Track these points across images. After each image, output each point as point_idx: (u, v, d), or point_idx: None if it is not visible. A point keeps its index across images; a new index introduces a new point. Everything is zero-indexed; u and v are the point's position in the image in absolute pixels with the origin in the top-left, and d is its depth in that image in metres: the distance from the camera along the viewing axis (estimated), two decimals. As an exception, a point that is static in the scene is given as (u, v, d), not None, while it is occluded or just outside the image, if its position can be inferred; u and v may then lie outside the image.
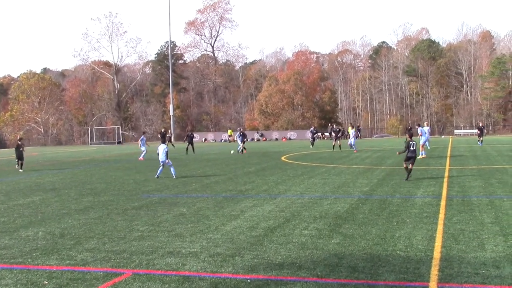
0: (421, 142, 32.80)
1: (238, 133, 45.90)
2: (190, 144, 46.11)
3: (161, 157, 24.83)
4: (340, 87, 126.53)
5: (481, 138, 46.93)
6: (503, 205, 15.21)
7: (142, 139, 40.88)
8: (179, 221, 14.09)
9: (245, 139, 43.99)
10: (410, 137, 21.75)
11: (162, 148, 25.06)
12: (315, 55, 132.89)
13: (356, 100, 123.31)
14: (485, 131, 49.34)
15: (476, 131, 55.88)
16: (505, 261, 9.51)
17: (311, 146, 52.46)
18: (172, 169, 25.21)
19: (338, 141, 43.44)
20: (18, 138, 40.18)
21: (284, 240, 11.53)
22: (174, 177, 24.94)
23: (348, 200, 16.85)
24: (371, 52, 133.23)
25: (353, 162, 31.77)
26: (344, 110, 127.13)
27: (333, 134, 46.56)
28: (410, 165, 21.44)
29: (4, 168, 36.62)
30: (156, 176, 25.35)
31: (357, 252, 10.35)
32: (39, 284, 8.97)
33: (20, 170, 32.53)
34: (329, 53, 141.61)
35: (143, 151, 39.85)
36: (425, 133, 36.36)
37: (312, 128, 58.93)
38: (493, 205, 15.26)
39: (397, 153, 23.91)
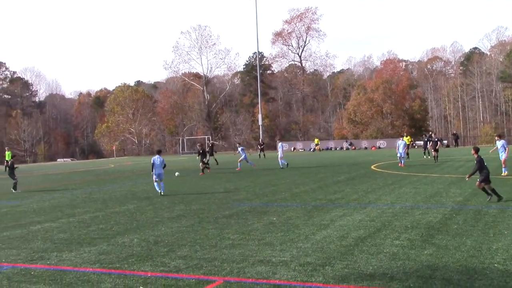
0: (503, 157, 27.42)
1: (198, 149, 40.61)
2: (211, 155, 43.10)
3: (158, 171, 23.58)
4: (430, 95, 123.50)
5: None
6: None
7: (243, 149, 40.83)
8: (269, 230, 14.18)
9: (204, 158, 38.29)
10: (477, 152, 18.72)
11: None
12: (403, 63, 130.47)
13: (447, 108, 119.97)
14: None
15: None
16: None
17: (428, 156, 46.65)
18: (161, 184, 23.91)
19: (436, 151, 40.54)
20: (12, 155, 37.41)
21: (375, 250, 11.37)
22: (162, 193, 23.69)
23: (440, 210, 16.41)
24: (462, 59, 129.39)
25: (445, 171, 30.92)
26: (435, 118, 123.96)
27: (432, 144, 42.52)
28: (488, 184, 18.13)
29: (102, 177, 38.06)
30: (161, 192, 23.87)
31: (452, 264, 10.06)
32: (135, 289, 9.26)
33: (13, 191, 29.15)
34: (418, 61, 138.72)
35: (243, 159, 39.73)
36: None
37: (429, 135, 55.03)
38: None
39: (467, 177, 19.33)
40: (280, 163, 39.62)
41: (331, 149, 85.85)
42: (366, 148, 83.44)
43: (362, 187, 23.70)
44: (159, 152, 24.51)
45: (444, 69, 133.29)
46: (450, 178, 26.32)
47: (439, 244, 11.72)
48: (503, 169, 27.25)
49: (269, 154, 66.17)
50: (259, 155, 59.90)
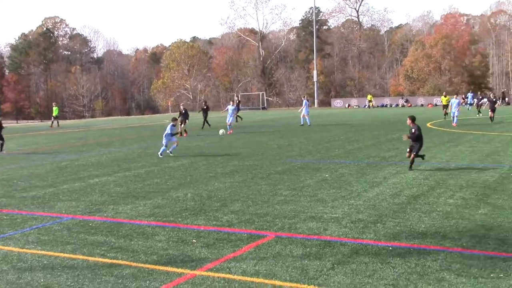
0: None
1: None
2: (204, 118, 39.60)
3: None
4: (492, 50, 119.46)
5: None
6: None
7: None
8: (322, 187, 14.21)
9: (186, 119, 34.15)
10: (413, 121, 16.74)
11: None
12: (465, 18, 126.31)
13: (509, 64, 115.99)
14: None
15: None
16: None
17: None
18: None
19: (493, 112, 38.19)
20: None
21: (428, 209, 11.27)
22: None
23: (498, 170, 16.09)
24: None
25: (504, 129, 30.16)
26: (496, 75, 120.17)
27: (489, 104, 40.41)
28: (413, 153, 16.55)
29: (156, 133, 38.63)
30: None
31: (507, 224, 9.90)
32: (188, 242, 9.49)
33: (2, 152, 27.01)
34: (481, 15, 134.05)
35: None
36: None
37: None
38: None
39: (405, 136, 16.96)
40: (302, 120, 39.22)
41: (386, 106, 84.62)
42: (422, 105, 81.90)
43: (417, 145, 23.33)
44: (174, 120, 23.55)
45: (508, 23, 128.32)
46: (509, 137, 25.69)
47: (495, 204, 11.54)
48: None
49: (317, 111, 65.81)
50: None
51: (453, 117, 34.84)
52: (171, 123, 23.01)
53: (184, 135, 33.00)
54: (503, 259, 8.01)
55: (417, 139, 16.54)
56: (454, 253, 8.32)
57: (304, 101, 39.97)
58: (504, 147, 21.71)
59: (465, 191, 12.99)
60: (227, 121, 35.56)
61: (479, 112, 46.91)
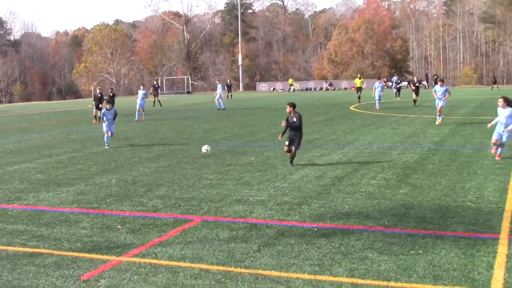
0: (440, 104, 24.19)
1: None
2: (155, 97, 41.65)
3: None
4: (412, 35, 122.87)
5: None
6: None
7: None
8: (247, 170, 14.26)
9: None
10: (293, 108, 14.98)
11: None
12: (386, 3, 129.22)
13: (428, 48, 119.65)
14: None
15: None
16: None
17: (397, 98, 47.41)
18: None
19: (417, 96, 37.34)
20: None
21: (352, 190, 11.51)
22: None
23: (417, 151, 16.60)
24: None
25: (424, 111, 31.09)
26: (416, 59, 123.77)
27: (412, 87, 40.45)
28: (293, 147, 14.67)
29: (79, 118, 37.79)
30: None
31: (426, 203, 10.23)
32: (113, 228, 9.33)
33: None
34: (401, 0, 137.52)
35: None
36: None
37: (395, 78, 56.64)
38: None
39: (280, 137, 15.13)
40: (217, 104, 39.86)
41: (310, 89, 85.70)
42: (346, 88, 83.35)
43: (340, 128, 23.82)
44: (108, 103, 21.24)
45: (427, 9, 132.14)
46: (428, 119, 26.50)
47: (415, 184, 11.90)
48: (437, 117, 24.28)
49: (242, 95, 65.96)
50: (227, 96, 59.68)
51: (376, 100, 35.48)
52: (105, 108, 21.00)
53: (98, 121, 30.93)
54: (422, 236, 8.27)
55: (298, 129, 14.71)
56: (376, 232, 8.53)
57: (219, 85, 41.46)
58: (423, 129, 22.41)
59: (386, 172, 13.35)
60: (137, 107, 33.83)
61: (397, 95, 48.17)
